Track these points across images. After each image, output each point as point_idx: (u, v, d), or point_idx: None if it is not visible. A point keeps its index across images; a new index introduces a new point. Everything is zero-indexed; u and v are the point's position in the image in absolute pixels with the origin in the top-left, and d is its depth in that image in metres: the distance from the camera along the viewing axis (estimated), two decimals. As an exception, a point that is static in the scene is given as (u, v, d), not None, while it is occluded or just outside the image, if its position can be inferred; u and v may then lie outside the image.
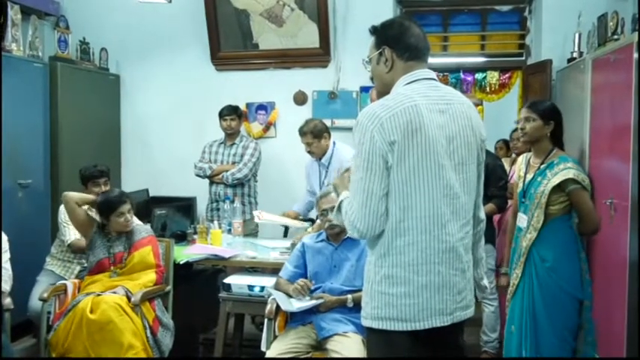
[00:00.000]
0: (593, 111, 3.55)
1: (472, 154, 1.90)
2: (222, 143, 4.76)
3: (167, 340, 3.28)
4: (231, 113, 4.68)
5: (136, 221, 3.52)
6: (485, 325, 3.97)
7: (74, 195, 3.48)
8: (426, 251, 1.80)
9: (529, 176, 3.01)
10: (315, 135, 4.13)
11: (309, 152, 4.22)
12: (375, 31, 1.99)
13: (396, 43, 1.92)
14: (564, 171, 2.83)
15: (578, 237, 2.87)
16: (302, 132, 4.18)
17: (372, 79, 2.06)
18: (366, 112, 1.83)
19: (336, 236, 3.11)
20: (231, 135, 4.71)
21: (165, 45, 5.43)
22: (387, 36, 1.95)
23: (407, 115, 1.77)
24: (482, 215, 2.06)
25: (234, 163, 4.64)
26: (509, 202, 3.93)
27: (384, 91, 1.97)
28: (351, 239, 3.08)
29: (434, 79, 1.93)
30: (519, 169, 3.14)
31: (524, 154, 3.18)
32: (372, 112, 1.81)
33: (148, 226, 3.62)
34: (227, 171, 4.57)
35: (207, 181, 4.74)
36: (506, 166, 4.30)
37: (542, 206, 2.84)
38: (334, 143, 4.25)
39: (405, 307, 1.81)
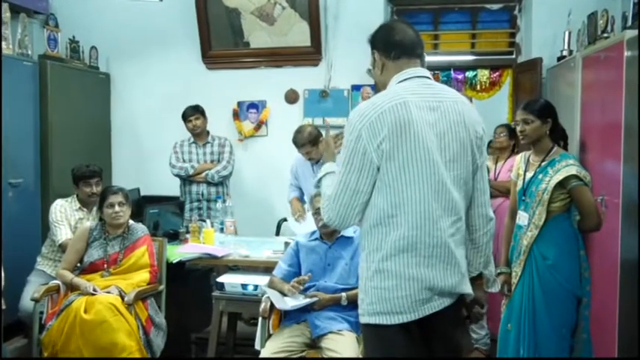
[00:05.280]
0: (584, 109, 3.58)
1: (465, 151, 1.91)
2: (193, 143, 4.69)
3: (159, 340, 3.27)
4: (194, 113, 4.62)
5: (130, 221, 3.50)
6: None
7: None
8: (417, 246, 1.82)
9: (529, 174, 2.98)
10: (313, 143, 4.03)
11: (309, 159, 4.13)
12: (369, 40, 2.06)
13: (382, 44, 2.00)
14: (567, 168, 2.81)
15: (578, 234, 2.87)
16: (299, 144, 4.05)
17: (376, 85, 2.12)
18: (357, 111, 1.89)
19: (330, 235, 3.11)
20: (199, 134, 4.65)
21: (156, 43, 5.40)
22: (374, 40, 2.03)
23: (395, 112, 1.82)
24: (491, 214, 2.06)
25: (212, 161, 4.61)
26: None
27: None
28: (345, 237, 3.09)
29: (427, 77, 1.96)
30: (518, 167, 3.11)
31: (523, 153, 3.15)
32: (361, 112, 1.87)
33: (143, 226, 3.59)
34: (209, 169, 4.54)
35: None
36: (491, 164, 4.31)
37: (544, 203, 2.83)
38: None
39: (397, 299, 1.82)
